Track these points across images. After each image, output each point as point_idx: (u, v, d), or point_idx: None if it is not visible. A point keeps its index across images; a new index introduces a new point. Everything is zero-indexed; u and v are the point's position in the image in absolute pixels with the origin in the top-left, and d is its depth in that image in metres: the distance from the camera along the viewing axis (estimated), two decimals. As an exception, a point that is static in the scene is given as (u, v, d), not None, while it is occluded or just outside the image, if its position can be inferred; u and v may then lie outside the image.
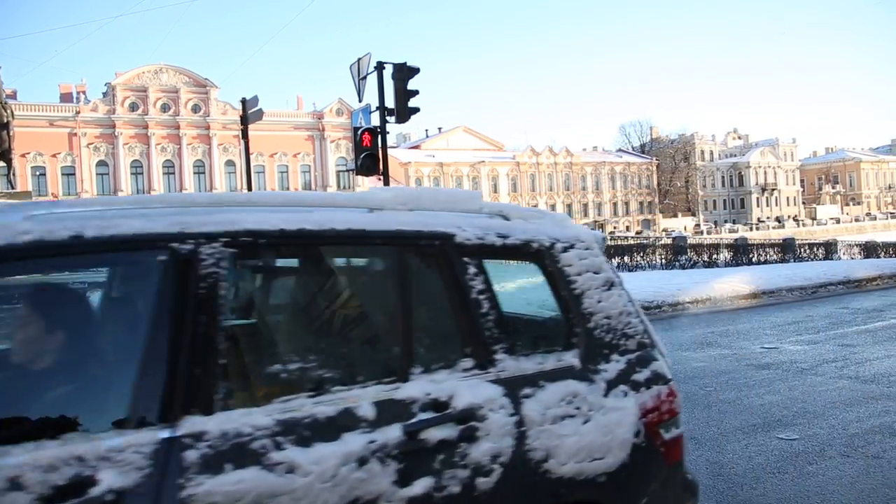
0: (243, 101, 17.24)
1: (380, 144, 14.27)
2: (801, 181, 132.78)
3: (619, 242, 28.63)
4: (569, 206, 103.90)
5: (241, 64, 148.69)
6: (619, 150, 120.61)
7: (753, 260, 27.97)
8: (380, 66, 14.29)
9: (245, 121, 17.22)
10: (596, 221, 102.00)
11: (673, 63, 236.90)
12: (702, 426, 6.75)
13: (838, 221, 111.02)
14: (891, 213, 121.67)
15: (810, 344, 11.23)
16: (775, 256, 29.36)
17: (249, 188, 18.79)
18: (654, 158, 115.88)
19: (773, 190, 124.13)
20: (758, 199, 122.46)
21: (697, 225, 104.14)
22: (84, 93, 71.18)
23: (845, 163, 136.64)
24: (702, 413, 7.22)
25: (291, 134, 77.64)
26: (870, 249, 36.23)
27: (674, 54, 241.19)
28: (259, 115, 17.41)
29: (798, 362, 9.73)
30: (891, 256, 34.08)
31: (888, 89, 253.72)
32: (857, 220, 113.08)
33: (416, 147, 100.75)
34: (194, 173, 74.38)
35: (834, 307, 15.98)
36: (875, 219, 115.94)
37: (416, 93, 14.47)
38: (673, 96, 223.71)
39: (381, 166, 14.32)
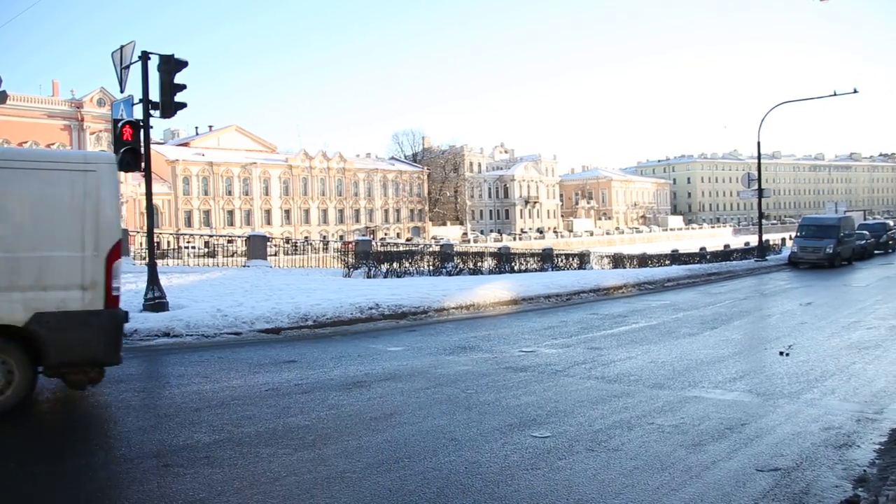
0: (-16, 82, 15.61)
1: (142, 139, 13.47)
2: (561, 195, 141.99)
3: (390, 249, 29.01)
4: (341, 211, 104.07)
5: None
6: (392, 157, 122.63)
7: (515, 268, 29.36)
8: (145, 56, 13.50)
9: (-14, 104, 15.60)
10: (367, 227, 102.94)
11: (446, 75, 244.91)
12: (462, 427, 6.95)
13: (592, 234, 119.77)
14: (636, 228, 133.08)
15: (563, 347, 11.95)
16: (535, 265, 31.00)
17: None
18: (426, 168, 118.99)
19: (535, 202, 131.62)
20: (521, 210, 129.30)
21: (465, 233, 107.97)
22: None
23: (599, 180, 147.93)
24: (462, 415, 7.44)
25: (45, 122, 71.32)
26: (617, 260, 39.38)
27: (446, 66, 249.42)
28: (3, 97, 15.84)
29: (552, 365, 10.32)
30: (634, 267, 37.21)
31: (636, 116, 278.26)
32: (608, 234, 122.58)
33: (185, 144, 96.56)
34: (-77, 160, 66.21)
35: (586, 313, 17.14)
36: (623, 232, 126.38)
37: (183, 87, 13.82)
38: (445, 108, 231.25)
39: (143, 162, 13.52)
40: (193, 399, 8.11)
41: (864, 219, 61.94)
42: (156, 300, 13.67)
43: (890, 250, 45.03)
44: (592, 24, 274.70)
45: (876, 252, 42.27)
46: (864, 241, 39.63)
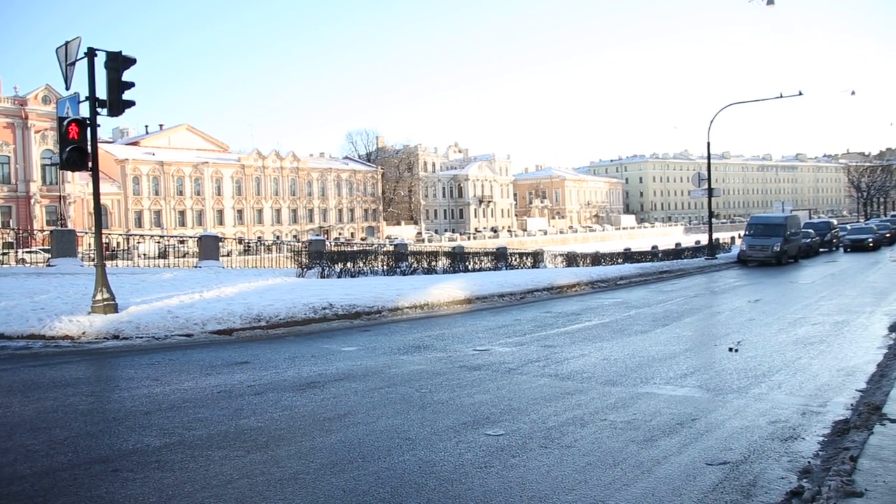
0: (-78, 80, 15.12)
1: (89, 138, 13.20)
2: (515, 195, 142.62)
3: (344, 249, 28.87)
4: (294, 211, 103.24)
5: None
6: (346, 157, 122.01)
7: (470, 267, 29.37)
8: (91, 53, 13.20)
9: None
10: (321, 227, 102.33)
11: (400, 75, 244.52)
12: (416, 427, 6.94)
13: (546, 233, 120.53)
14: (589, 227, 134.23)
15: (517, 346, 12.01)
16: (489, 264, 31.05)
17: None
18: (380, 167, 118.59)
19: (489, 202, 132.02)
20: (476, 209, 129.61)
21: (419, 233, 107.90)
22: None
23: (552, 180, 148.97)
24: (417, 414, 7.43)
25: (-13, 119, 69.36)
26: (571, 259, 39.69)
27: (401, 67, 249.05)
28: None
29: (506, 363, 10.37)
30: (588, 265, 37.56)
31: (589, 117, 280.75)
32: (561, 233, 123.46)
33: (135, 144, 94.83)
34: None
35: (539, 311, 17.26)
36: (576, 231, 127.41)
37: (131, 85, 13.56)
38: (399, 108, 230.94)
39: (90, 161, 13.25)
40: (143, 402, 7.98)
41: (810, 218, 63.47)
42: (104, 302, 13.41)
43: (834, 248, 46.22)
44: (542, 24, 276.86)
45: (821, 250, 43.36)
46: (809, 240, 40.61)
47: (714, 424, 6.99)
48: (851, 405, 7.56)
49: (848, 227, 54.13)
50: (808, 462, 5.81)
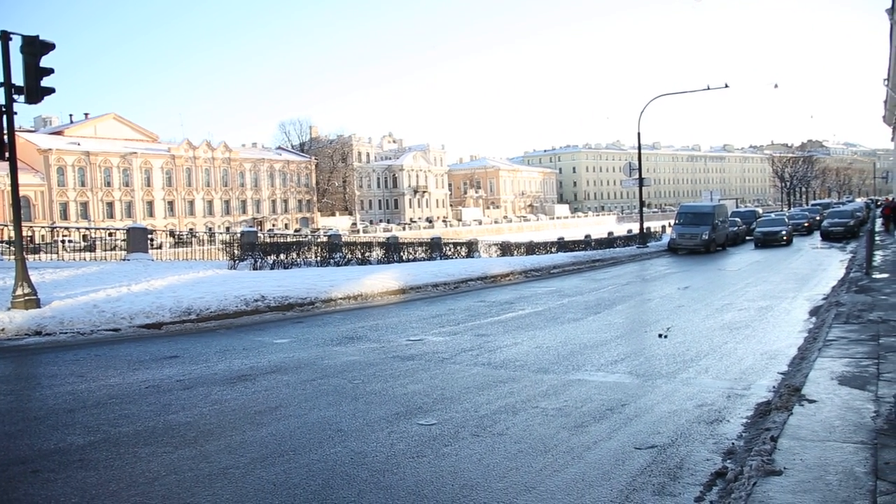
0: None
1: (5, 126, 12.71)
2: (450, 185, 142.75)
3: (277, 240, 28.52)
4: (227, 202, 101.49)
5: None
6: (279, 147, 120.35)
7: (404, 257, 29.30)
8: (5, 36, 12.68)
9: None
10: (255, 218, 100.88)
11: (334, 68, 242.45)
12: (348, 418, 6.90)
13: (480, 223, 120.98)
14: (523, 217, 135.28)
15: (451, 335, 12.03)
16: (424, 254, 31.03)
17: None
18: (314, 157, 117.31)
19: (424, 192, 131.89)
20: (410, 200, 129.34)
21: (354, 224, 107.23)
22: None
23: (487, 170, 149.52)
24: (349, 405, 7.38)
25: None
26: (505, 248, 39.92)
27: (335, 59, 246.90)
28: None
29: (439, 352, 10.38)
30: (522, 255, 37.85)
31: (522, 108, 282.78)
32: (496, 222, 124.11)
33: (59, 133, 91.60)
34: None
35: (473, 301, 17.32)
36: (511, 221, 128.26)
37: (50, 71, 13.10)
38: (333, 100, 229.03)
39: (6, 151, 12.77)
40: (67, 400, 7.76)
41: (737, 207, 65.10)
42: (25, 297, 12.97)
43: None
44: (474, 15, 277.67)
45: (747, 238, 44.45)
46: (736, 228, 41.58)
47: (643, 409, 7.11)
48: (773, 387, 7.78)
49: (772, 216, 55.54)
50: (732, 443, 5.96)
